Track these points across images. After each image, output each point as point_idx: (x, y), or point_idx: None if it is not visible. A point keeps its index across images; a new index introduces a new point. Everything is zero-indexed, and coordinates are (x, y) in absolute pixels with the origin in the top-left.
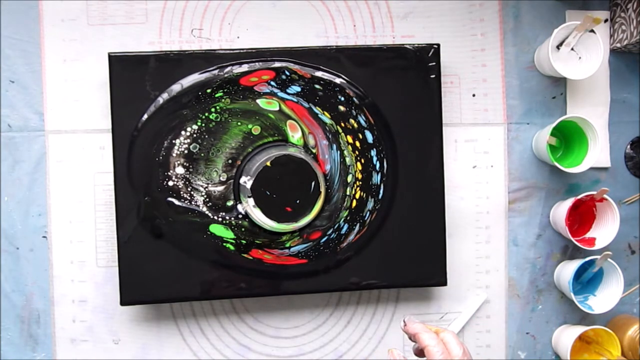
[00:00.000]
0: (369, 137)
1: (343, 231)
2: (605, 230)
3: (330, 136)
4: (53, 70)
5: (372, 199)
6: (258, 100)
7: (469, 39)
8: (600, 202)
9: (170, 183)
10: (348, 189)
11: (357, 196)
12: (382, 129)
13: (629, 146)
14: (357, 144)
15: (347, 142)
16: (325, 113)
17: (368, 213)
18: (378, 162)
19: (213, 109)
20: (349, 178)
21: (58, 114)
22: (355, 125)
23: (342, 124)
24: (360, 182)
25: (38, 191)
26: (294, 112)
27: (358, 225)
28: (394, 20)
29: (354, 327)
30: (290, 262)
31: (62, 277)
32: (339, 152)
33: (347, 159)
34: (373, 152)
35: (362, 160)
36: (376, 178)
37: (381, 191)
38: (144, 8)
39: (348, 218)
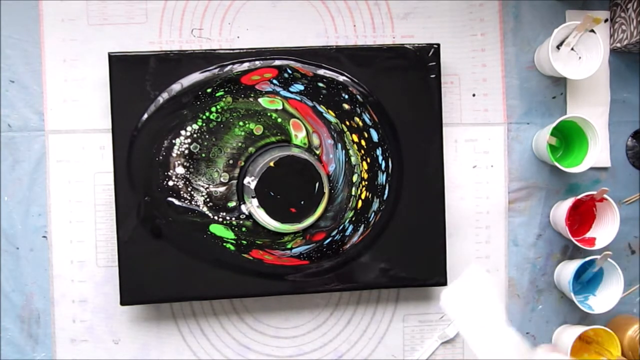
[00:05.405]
0: (374, 136)
1: (347, 232)
2: (605, 230)
3: (335, 135)
4: (53, 70)
5: (378, 200)
6: (260, 99)
7: (469, 39)
8: (600, 202)
9: (170, 183)
10: (353, 189)
11: (363, 197)
12: (386, 127)
13: (630, 138)
14: (363, 142)
15: (353, 140)
16: (330, 111)
17: (373, 214)
18: (383, 162)
19: (214, 109)
20: (355, 178)
21: (58, 114)
22: (361, 123)
23: (347, 123)
24: (366, 182)
25: (38, 191)
26: (297, 110)
27: (362, 226)
28: (394, 20)
29: (354, 327)
30: (292, 263)
31: (62, 277)
32: (344, 151)
33: (353, 159)
34: (378, 151)
35: (368, 160)
36: (381, 178)
37: (386, 191)
38: (144, 8)
39: (353, 219)
